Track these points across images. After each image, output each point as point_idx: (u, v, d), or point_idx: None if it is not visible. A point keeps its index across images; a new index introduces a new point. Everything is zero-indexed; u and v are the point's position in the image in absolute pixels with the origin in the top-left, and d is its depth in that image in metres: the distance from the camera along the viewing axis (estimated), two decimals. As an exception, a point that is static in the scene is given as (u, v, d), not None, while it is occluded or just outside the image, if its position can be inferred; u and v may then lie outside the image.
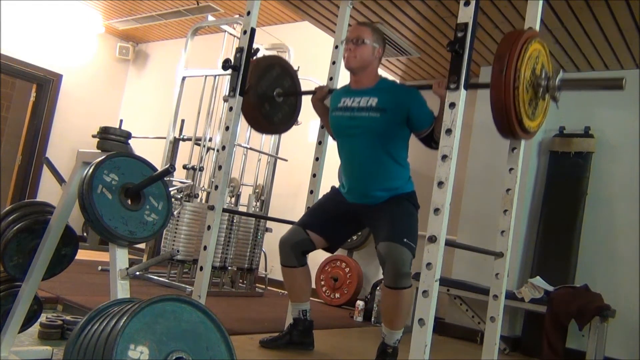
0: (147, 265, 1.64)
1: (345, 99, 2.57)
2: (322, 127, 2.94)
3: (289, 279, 2.64)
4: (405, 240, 2.29)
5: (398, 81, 5.08)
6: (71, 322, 2.26)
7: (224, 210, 2.55)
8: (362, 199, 2.54)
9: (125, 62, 7.51)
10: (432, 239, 1.58)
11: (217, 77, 4.55)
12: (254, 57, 2.52)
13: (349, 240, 4.29)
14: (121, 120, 2.19)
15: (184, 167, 4.42)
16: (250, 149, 4.64)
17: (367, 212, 2.52)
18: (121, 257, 1.51)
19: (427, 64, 4.60)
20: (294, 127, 4.82)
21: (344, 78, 3.23)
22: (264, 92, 2.78)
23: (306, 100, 2.96)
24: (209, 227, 2.37)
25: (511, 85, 1.70)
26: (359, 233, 4.59)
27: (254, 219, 4.33)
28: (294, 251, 2.57)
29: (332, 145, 2.79)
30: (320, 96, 2.80)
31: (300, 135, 5.23)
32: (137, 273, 3.83)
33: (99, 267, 4.26)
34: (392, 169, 2.49)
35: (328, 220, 2.61)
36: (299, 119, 4.80)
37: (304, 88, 3.51)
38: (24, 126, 6.72)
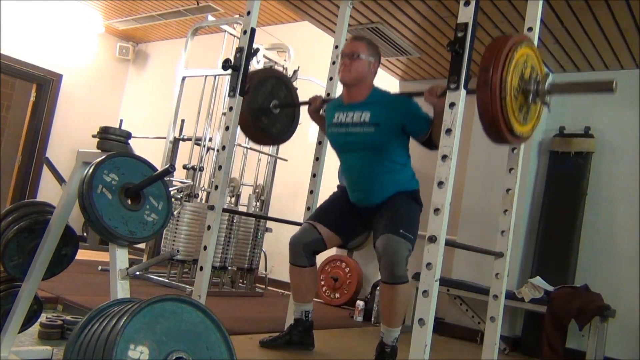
0: (147, 265, 1.64)
1: (338, 114, 2.57)
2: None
3: (296, 279, 2.64)
4: (401, 231, 2.29)
5: (398, 81, 5.09)
6: (71, 322, 2.26)
7: (224, 210, 2.55)
8: (365, 202, 2.57)
9: (125, 62, 7.51)
10: (432, 239, 1.58)
11: (217, 77, 4.55)
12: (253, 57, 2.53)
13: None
14: (121, 120, 2.19)
15: (184, 167, 4.42)
16: (250, 149, 4.64)
17: (371, 212, 2.54)
18: (121, 257, 1.51)
19: (427, 64, 4.60)
20: (294, 127, 4.83)
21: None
22: (260, 106, 2.79)
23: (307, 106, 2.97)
24: (209, 227, 2.37)
25: (498, 96, 1.66)
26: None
27: (254, 219, 4.33)
28: (306, 251, 2.57)
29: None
30: (315, 107, 2.81)
31: (300, 135, 5.20)
32: (137, 273, 3.84)
33: (99, 267, 4.26)
34: (392, 175, 2.49)
35: (339, 216, 2.63)
36: (299, 119, 4.82)
37: (303, 88, 3.52)
38: (24, 126, 6.72)
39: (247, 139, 4.74)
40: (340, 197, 2.70)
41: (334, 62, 3.00)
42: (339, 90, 3.02)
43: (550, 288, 3.57)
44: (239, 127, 2.63)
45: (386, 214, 2.42)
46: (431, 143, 2.41)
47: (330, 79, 2.99)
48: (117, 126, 1.82)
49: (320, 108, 2.82)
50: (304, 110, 3.08)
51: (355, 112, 2.49)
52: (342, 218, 2.63)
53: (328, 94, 2.99)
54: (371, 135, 2.44)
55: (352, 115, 2.50)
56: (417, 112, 2.44)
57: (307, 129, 5.20)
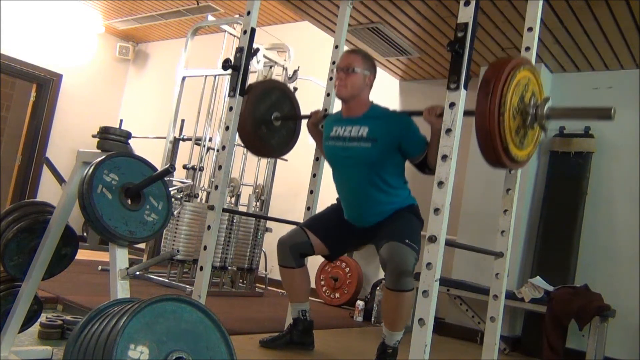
0: (147, 265, 1.64)
1: (337, 127, 2.55)
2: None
3: (287, 280, 2.64)
4: (407, 240, 2.27)
5: (398, 81, 5.09)
6: (71, 322, 2.26)
7: (224, 210, 2.56)
8: (360, 223, 2.55)
9: (125, 62, 7.51)
10: (432, 239, 1.58)
11: (217, 77, 4.55)
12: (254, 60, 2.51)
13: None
14: (121, 120, 2.19)
15: (184, 167, 4.42)
16: (250, 149, 4.64)
17: (367, 231, 2.52)
18: (121, 257, 1.51)
19: (427, 64, 4.60)
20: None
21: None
22: (262, 115, 2.77)
23: (306, 106, 2.96)
24: (209, 227, 2.37)
25: (496, 111, 1.65)
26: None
27: (254, 219, 4.33)
28: (292, 252, 2.56)
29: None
30: (315, 120, 2.79)
31: (301, 136, 5.22)
32: (137, 273, 3.83)
33: (99, 267, 4.26)
34: (387, 196, 2.46)
35: (331, 228, 2.61)
36: (299, 135, 4.82)
37: (303, 88, 3.51)
38: (24, 126, 6.72)
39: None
40: (335, 210, 2.67)
41: (334, 62, 2.99)
42: (338, 102, 3.02)
43: (550, 288, 3.57)
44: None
45: (388, 226, 2.40)
46: (425, 165, 2.38)
47: (331, 79, 2.99)
48: (117, 126, 1.82)
49: (320, 121, 2.79)
50: (304, 110, 3.07)
51: (354, 126, 2.47)
52: (334, 231, 2.60)
53: (328, 94, 2.99)
54: (368, 150, 2.41)
55: (351, 129, 2.48)
56: (415, 131, 2.41)
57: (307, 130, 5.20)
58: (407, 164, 2.50)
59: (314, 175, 2.95)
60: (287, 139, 2.98)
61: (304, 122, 2.94)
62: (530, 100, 1.80)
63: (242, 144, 2.91)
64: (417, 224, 2.47)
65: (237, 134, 2.63)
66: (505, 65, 1.70)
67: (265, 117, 2.80)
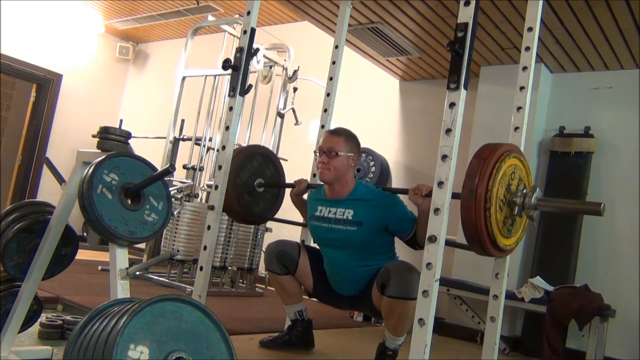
0: (147, 265, 1.64)
1: (321, 207, 2.49)
2: (320, 130, 2.93)
3: (275, 284, 2.63)
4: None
5: (398, 81, 5.09)
6: (71, 322, 2.26)
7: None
8: (344, 292, 2.52)
9: (125, 62, 7.51)
10: (432, 239, 1.58)
11: (217, 77, 4.55)
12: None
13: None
14: (121, 120, 2.19)
15: (184, 167, 4.42)
16: (250, 149, 4.64)
17: (355, 298, 2.50)
18: (121, 257, 1.52)
19: (427, 64, 4.60)
20: (294, 127, 4.84)
21: (344, 79, 3.24)
22: (244, 184, 2.71)
23: (306, 106, 2.95)
24: (209, 227, 2.37)
25: (482, 207, 1.62)
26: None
27: (254, 219, 4.32)
28: (278, 259, 2.54)
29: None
30: (298, 191, 2.70)
31: (301, 135, 5.23)
32: (137, 273, 3.83)
33: (99, 267, 4.26)
34: (374, 272, 2.38)
35: (324, 275, 2.56)
36: (299, 119, 4.82)
37: (303, 88, 3.52)
38: (24, 126, 6.73)
39: (248, 125, 4.69)
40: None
41: (334, 62, 2.99)
42: (339, 90, 3.02)
43: (550, 288, 3.57)
44: (240, 115, 2.53)
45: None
46: (415, 242, 2.30)
47: (331, 78, 2.99)
48: (117, 126, 1.82)
49: (304, 192, 2.72)
50: (304, 111, 3.06)
51: (339, 208, 2.42)
52: (325, 282, 2.56)
53: (328, 94, 2.99)
54: (354, 233, 2.35)
55: (335, 211, 2.42)
56: (402, 212, 2.35)
57: (307, 129, 5.21)
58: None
59: (314, 175, 2.95)
60: (271, 203, 2.89)
61: (303, 111, 2.88)
62: (516, 189, 1.76)
63: (226, 214, 2.79)
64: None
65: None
66: (490, 157, 1.66)
67: (248, 185, 2.73)
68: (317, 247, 2.62)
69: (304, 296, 2.68)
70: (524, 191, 1.78)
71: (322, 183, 2.51)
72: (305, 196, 2.73)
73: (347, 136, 2.45)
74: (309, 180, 2.90)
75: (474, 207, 1.62)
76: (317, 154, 2.47)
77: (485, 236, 1.66)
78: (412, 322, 2.39)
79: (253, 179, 2.76)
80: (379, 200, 2.39)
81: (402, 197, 2.41)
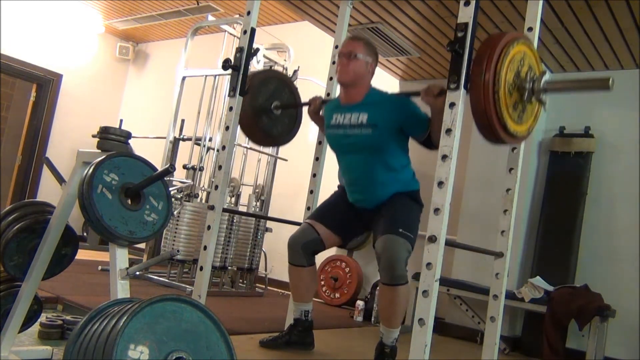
0: (147, 265, 1.64)
1: (336, 115, 2.56)
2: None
3: (295, 278, 2.63)
4: (400, 230, 2.28)
5: (398, 81, 5.09)
6: (71, 322, 2.26)
7: (224, 210, 2.55)
8: (364, 204, 2.56)
9: (125, 62, 7.52)
10: (432, 239, 1.58)
11: (217, 77, 4.55)
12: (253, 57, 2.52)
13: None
14: (121, 120, 2.19)
15: (184, 167, 4.42)
16: (250, 149, 4.64)
17: (370, 213, 2.53)
18: (121, 257, 1.51)
19: (427, 64, 4.60)
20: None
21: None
22: (261, 105, 2.79)
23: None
24: (209, 227, 2.37)
25: (490, 89, 1.63)
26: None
27: (254, 219, 4.33)
28: (305, 250, 2.56)
29: (332, 145, 2.78)
30: (314, 108, 2.80)
31: (300, 135, 5.20)
32: (137, 273, 3.83)
33: (99, 267, 4.26)
34: (391, 176, 2.47)
35: (338, 216, 2.62)
36: (301, 121, 4.81)
37: (303, 88, 3.51)
38: (24, 126, 6.73)
39: (247, 139, 4.74)
40: (340, 196, 2.69)
41: (333, 62, 2.99)
42: (339, 90, 3.02)
43: (550, 288, 3.57)
44: (239, 127, 2.62)
45: (385, 214, 2.41)
46: (430, 142, 2.38)
47: (330, 79, 3.00)
48: (117, 126, 1.82)
49: (320, 109, 2.81)
50: (305, 113, 3.07)
51: (353, 113, 2.48)
52: (341, 218, 2.62)
53: (328, 94, 3.00)
54: (369, 136, 2.42)
55: (350, 116, 2.48)
56: (415, 112, 2.41)
57: (307, 129, 5.20)
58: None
59: (314, 175, 2.95)
60: (289, 127, 2.99)
61: (305, 108, 2.94)
62: (526, 75, 1.77)
63: (244, 135, 2.91)
64: (415, 209, 2.48)
65: (239, 127, 2.63)
66: (497, 43, 1.67)
67: (265, 106, 2.81)
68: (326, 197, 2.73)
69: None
70: (533, 77, 1.80)
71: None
72: (321, 113, 2.81)
73: (366, 42, 2.53)
74: (308, 181, 2.91)
75: (482, 89, 1.64)
76: (337, 60, 2.56)
77: (495, 120, 1.67)
78: (404, 312, 2.40)
79: (270, 102, 2.84)
80: (392, 102, 2.47)
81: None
